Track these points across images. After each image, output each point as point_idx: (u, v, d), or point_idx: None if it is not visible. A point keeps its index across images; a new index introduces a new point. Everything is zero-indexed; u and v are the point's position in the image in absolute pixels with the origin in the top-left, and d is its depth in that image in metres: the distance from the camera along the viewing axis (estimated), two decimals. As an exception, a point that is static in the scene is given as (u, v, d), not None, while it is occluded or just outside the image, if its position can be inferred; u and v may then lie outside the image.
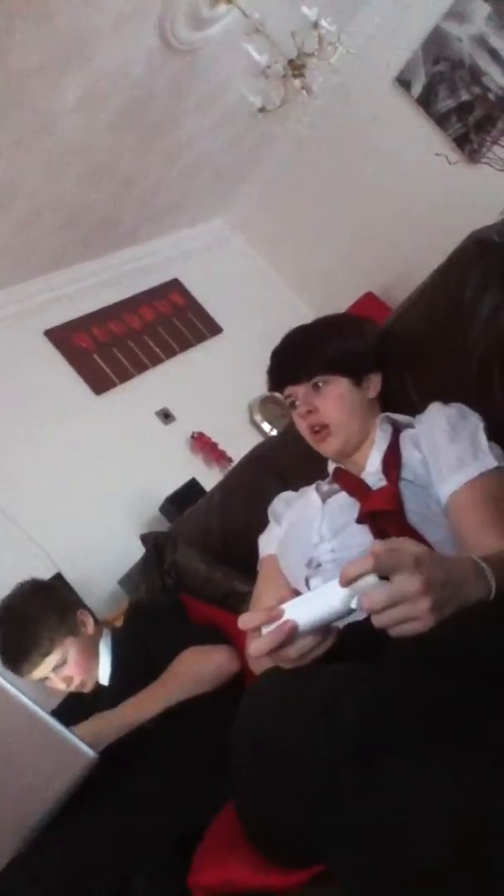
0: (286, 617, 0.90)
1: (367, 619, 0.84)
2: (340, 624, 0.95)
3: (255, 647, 0.90)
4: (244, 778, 0.98)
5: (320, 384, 1.54)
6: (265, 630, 0.91)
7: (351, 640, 0.97)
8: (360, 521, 1.36)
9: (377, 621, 0.83)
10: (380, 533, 1.32)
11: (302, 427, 1.58)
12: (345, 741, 0.79)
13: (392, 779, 0.75)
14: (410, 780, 0.74)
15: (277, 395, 1.64)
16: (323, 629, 0.92)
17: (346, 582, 0.85)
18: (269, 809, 0.91)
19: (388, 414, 1.55)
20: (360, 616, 0.87)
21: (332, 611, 0.89)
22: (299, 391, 1.56)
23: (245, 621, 0.93)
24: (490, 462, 1.33)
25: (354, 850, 0.76)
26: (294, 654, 0.91)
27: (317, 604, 0.91)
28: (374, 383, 1.60)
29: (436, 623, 0.83)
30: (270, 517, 1.67)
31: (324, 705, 0.85)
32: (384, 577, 0.84)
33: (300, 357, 1.58)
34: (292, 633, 0.89)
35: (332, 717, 0.82)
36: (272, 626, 0.91)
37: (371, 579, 0.85)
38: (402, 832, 0.72)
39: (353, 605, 0.87)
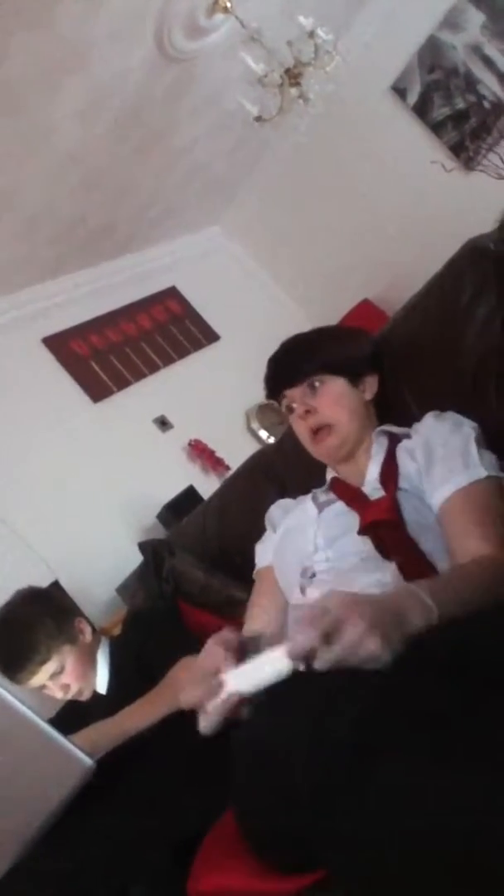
0: (230, 689, 0.94)
1: None
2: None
3: (205, 727, 0.96)
4: (242, 783, 0.98)
5: (316, 384, 1.54)
6: (210, 705, 0.94)
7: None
8: (361, 532, 1.36)
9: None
10: (379, 543, 1.32)
11: (301, 430, 1.58)
12: (342, 744, 0.79)
13: (390, 781, 0.75)
14: (409, 782, 0.74)
15: (275, 403, 1.64)
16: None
17: (298, 658, 0.89)
18: (268, 814, 0.91)
19: (384, 427, 1.56)
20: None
21: (276, 677, 0.93)
22: (296, 394, 1.56)
23: (187, 699, 0.98)
24: (480, 472, 1.34)
25: (353, 853, 0.76)
26: (244, 714, 0.96)
27: (262, 672, 0.94)
28: (371, 385, 1.60)
29: (390, 656, 0.87)
30: (267, 525, 1.67)
31: (320, 708, 0.85)
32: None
33: (295, 360, 1.58)
34: (239, 704, 0.92)
35: (330, 720, 0.83)
36: (217, 700, 0.93)
37: (315, 644, 0.89)
38: (402, 835, 0.72)
39: (301, 668, 0.90)
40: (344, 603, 0.90)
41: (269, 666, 0.92)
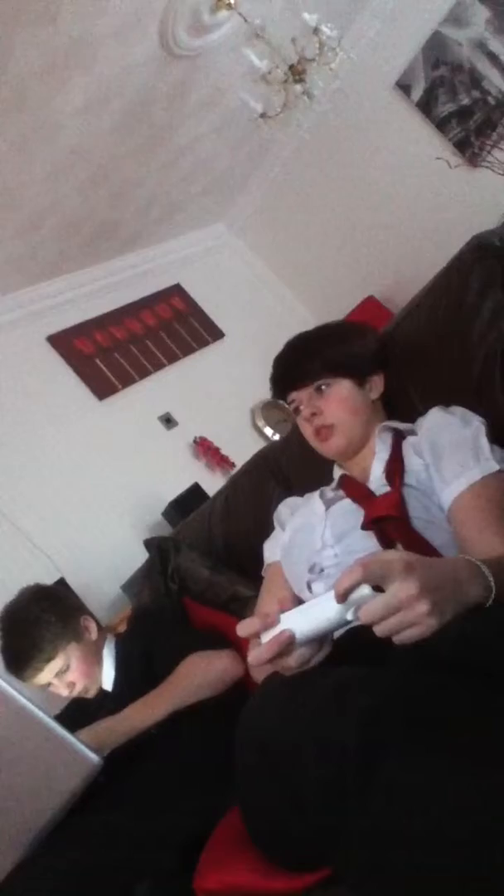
0: (284, 626, 0.91)
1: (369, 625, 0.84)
2: (338, 633, 0.95)
3: (255, 657, 0.91)
4: (248, 781, 0.98)
5: (323, 387, 1.55)
6: (264, 638, 0.91)
7: (354, 643, 0.97)
8: (364, 527, 1.36)
9: (378, 631, 0.83)
10: (384, 539, 1.32)
11: (307, 431, 1.59)
12: (349, 743, 0.79)
13: (397, 780, 0.75)
14: (415, 782, 0.74)
15: (281, 401, 1.64)
16: (320, 638, 0.93)
17: (341, 597, 0.85)
18: (274, 813, 0.91)
19: (387, 423, 1.56)
20: (356, 623, 0.87)
21: (329, 623, 0.90)
22: (303, 395, 1.56)
23: (244, 628, 0.94)
24: (492, 466, 1.33)
25: (360, 852, 0.76)
26: (293, 663, 0.92)
27: (314, 614, 0.91)
28: (377, 384, 1.60)
29: (439, 625, 0.83)
30: (276, 523, 1.67)
31: (327, 708, 0.85)
32: (378, 589, 0.85)
33: (302, 361, 1.58)
34: (290, 643, 0.89)
35: (335, 719, 0.83)
36: (270, 635, 0.91)
37: (365, 591, 0.85)
38: (408, 834, 0.72)
39: (349, 616, 0.87)
40: (404, 559, 0.85)
41: (321, 608, 0.90)
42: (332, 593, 0.87)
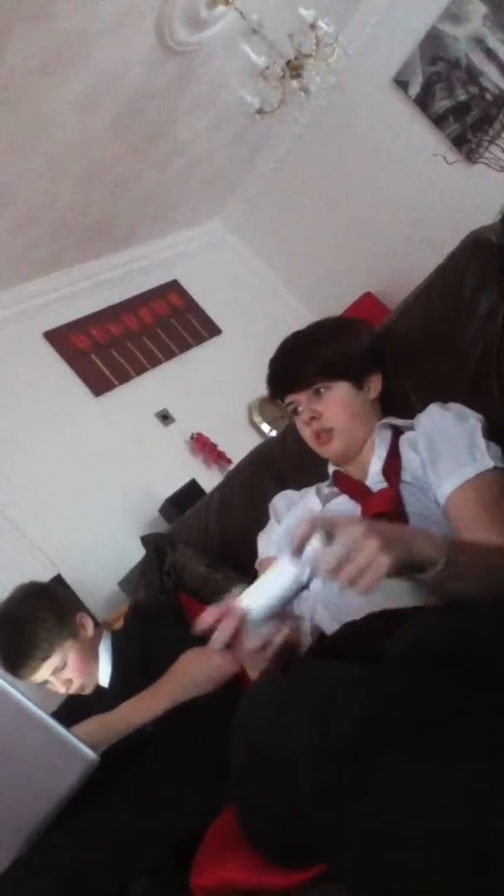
0: (240, 605, 0.91)
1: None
2: (296, 606, 0.95)
3: (214, 640, 0.92)
4: (243, 779, 0.98)
5: (322, 390, 1.54)
6: (221, 623, 0.92)
7: (348, 641, 0.97)
8: None
9: (340, 581, 0.85)
10: None
11: (306, 434, 1.58)
12: (344, 741, 0.80)
13: (392, 779, 0.75)
14: (410, 780, 0.74)
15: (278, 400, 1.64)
16: (278, 615, 0.93)
17: (297, 547, 0.86)
18: (269, 810, 0.92)
19: (387, 420, 1.55)
20: (314, 588, 0.89)
21: (283, 589, 0.90)
22: (301, 398, 1.55)
23: (201, 621, 0.94)
24: (487, 462, 1.33)
25: (355, 850, 0.76)
26: (254, 643, 0.92)
27: (268, 584, 0.92)
28: (375, 384, 1.60)
29: (393, 561, 0.85)
30: (271, 514, 1.67)
31: (323, 706, 0.85)
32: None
33: (298, 364, 1.57)
34: (242, 618, 0.90)
35: (332, 718, 0.83)
36: (227, 618, 0.92)
37: (316, 544, 0.86)
38: (403, 832, 0.72)
39: (305, 576, 0.88)
40: (348, 516, 0.88)
41: (274, 577, 0.91)
42: (282, 559, 0.88)
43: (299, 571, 0.88)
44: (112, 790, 1.40)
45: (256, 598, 0.91)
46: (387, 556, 0.85)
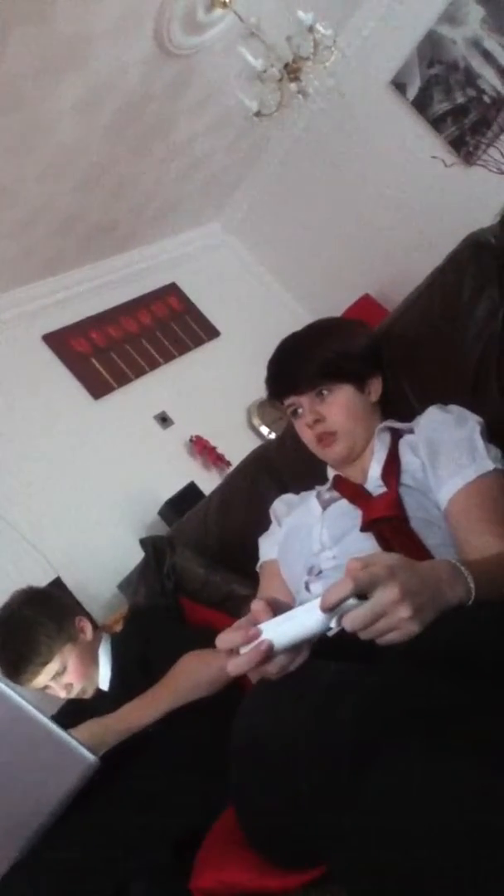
0: (263, 637, 0.92)
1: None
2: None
3: (234, 666, 0.92)
4: (243, 780, 0.98)
5: (325, 392, 1.52)
6: (243, 650, 0.92)
7: (347, 641, 0.97)
8: (363, 528, 1.35)
9: (363, 636, 0.85)
10: (383, 539, 1.32)
11: (307, 436, 1.57)
12: (342, 741, 0.79)
13: (390, 778, 0.75)
14: (409, 780, 0.74)
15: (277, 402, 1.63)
16: (299, 645, 0.94)
17: (329, 608, 0.86)
18: (268, 811, 0.91)
19: (387, 423, 1.55)
20: (337, 630, 0.89)
21: (309, 632, 0.91)
22: (303, 400, 1.54)
23: (224, 641, 0.94)
24: (487, 465, 1.33)
25: (354, 850, 0.76)
26: (273, 670, 0.93)
27: (294, 625, 0.92)
28: (376, 387, 1.59)
29: (420, 629, 0.85)
30: (272, 518, 1.67)
31: (321, 706, 0.85)
32: (361, 595, 0.86)
33: (300, 365, 1.55)
34: (269, 653, 0.90)
35: (330, 718, 0.83)
36: (250, 647, 0.92)
37: (350, 601, 0.86)
38: (402, 832, 0.72)
39: (333, 624, 0.88)
40: (387, 564, 0.87)
41: (302, 619, 0.91)
42: (314, 603, 0.89)
43: (328, 621, 0.89)
44: (112, 792, 1.40)
45: (281, 634, 0.92)
46: (416, 625, 0.85)
